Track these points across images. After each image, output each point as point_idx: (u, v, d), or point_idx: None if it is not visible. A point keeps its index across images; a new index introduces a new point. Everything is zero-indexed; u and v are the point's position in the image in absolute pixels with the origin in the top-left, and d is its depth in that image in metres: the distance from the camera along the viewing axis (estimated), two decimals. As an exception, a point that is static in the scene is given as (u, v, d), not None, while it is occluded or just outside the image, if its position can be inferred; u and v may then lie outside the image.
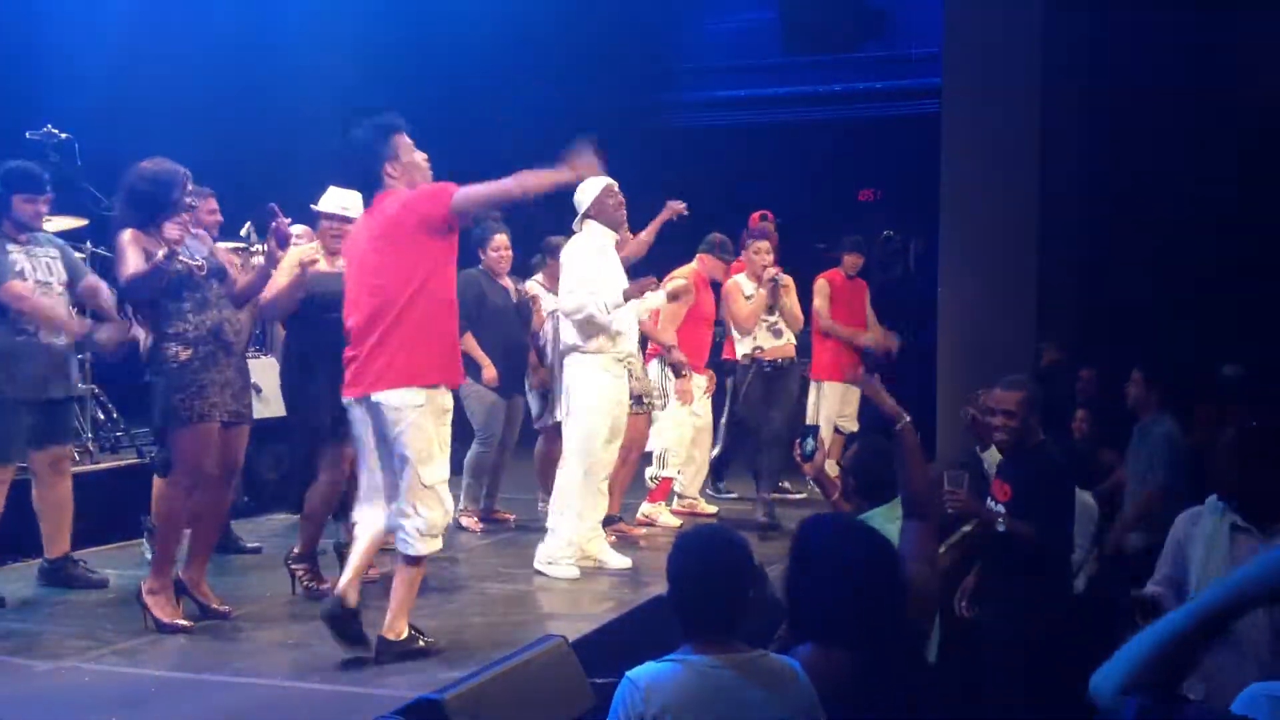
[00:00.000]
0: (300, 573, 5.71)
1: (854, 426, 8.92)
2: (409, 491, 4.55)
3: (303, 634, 5.11)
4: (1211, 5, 9.56)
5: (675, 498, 7.82)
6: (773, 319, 7.60)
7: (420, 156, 4.80)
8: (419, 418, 4.51)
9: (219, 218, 6.52)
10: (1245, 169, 9.61)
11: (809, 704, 3.07)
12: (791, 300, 7.65)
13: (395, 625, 4.68)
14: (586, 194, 6.18)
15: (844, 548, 3.15)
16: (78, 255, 7.55)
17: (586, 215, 6.21)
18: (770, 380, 7.56)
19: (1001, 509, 4.94)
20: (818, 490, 8.42)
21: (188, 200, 5.11)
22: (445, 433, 4.64)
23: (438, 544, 4.70)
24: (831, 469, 8.74)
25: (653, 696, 2.96)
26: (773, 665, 3.08)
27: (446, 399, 4.63)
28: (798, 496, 8.22)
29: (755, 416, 7.57)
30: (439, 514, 4.60)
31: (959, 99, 9.42)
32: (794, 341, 7.72)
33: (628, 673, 3.03)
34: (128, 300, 5.08)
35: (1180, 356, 8.86)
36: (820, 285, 8.81)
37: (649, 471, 7.59)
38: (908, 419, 3.75)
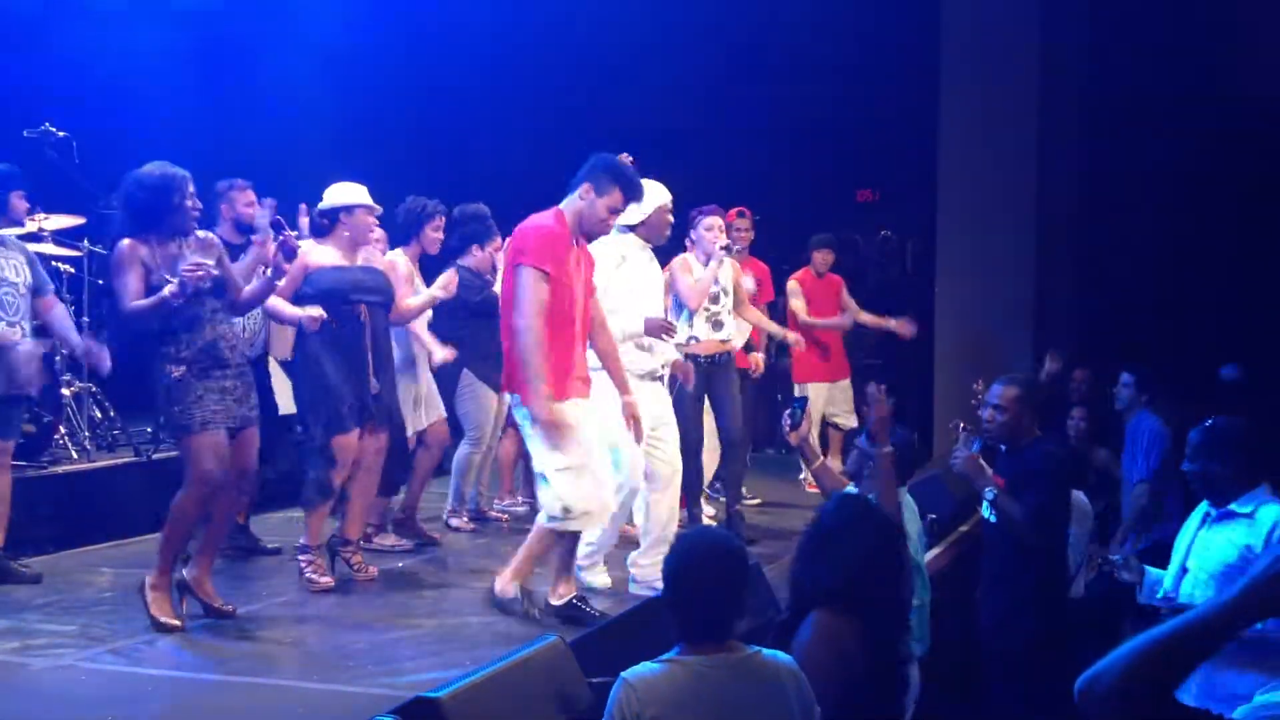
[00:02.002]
0: (305, 563, 5.74)
1: (852, 422, 8.91)
2: None
3: (300, 633, 5.11)
4: (1210, 4, 9.58)
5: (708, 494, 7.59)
6: (715, 309, 6.93)
7: (610, 217, 5.11)
8: None
9: (256, 209, 6.43)
10: (1245, 169, 9.62)
11: (804, 701, 3.08)
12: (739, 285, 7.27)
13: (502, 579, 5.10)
14: (644, 205, 5.78)
15: (862, 524, 3.45)
16: (74, 253, 7.61)
17: (635, 226, 5.89)
18: (709, 378, 6.88)
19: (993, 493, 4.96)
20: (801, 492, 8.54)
21: (189, 204, 5.07)
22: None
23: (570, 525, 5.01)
24: (832, 465, 8.80)
25: (647, 697, 2.97)
26: (767, 664, 3.09)
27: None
28: (753, 502, 8.14)
29: (687, 417, 6.79)
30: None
31: (957, 99, 9.44)
32: (732, 338, 7.06)
33: (622, 673, 3.04)
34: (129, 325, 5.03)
35: (1178, 358, 8.89)
36: (792, 286, 8.82)
37: None
38: (890, 448, 4.11)
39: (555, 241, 4.97)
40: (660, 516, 5.91)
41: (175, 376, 4.96)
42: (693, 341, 6.83)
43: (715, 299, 6.93)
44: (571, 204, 5.09)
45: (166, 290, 4.88)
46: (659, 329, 5.84)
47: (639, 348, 5.82)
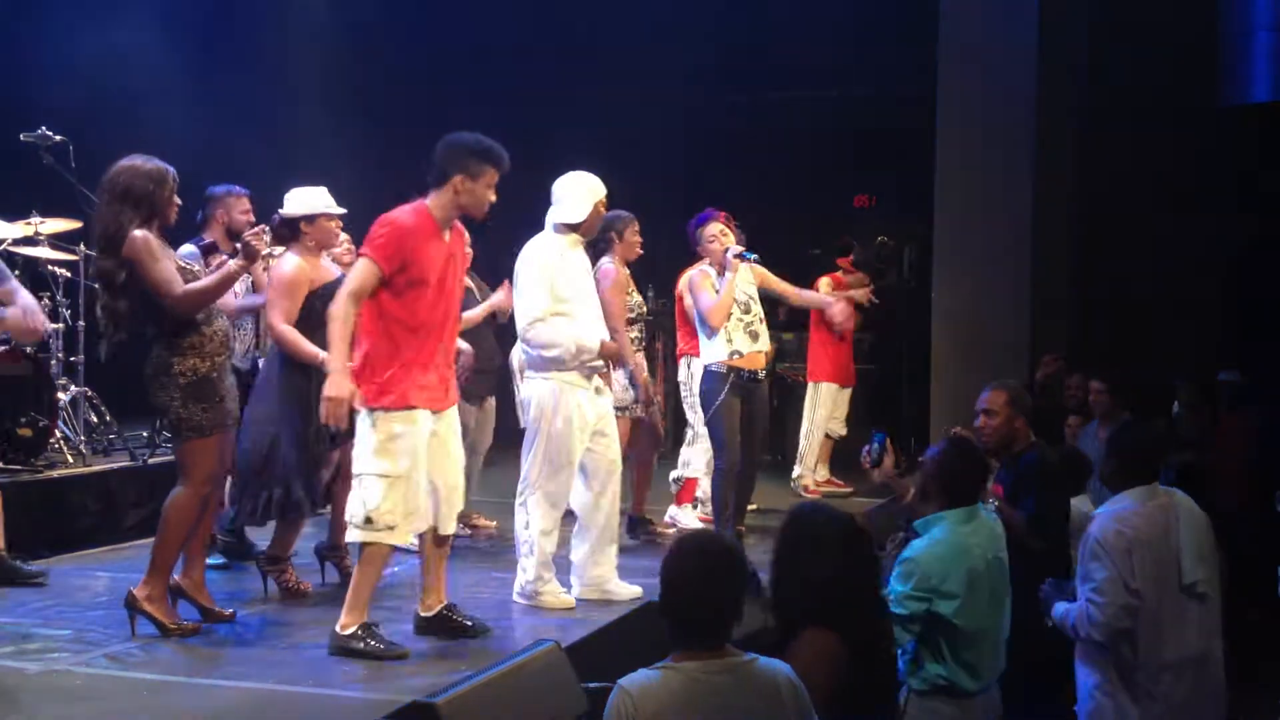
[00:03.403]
0: (275, 574, 5.72)
1: (843, 430, 8.95)
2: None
3: (295, 637, 5.10)
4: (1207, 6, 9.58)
5: (699, 504, 7.53)
6: (749, 318, 6.64)
7: (491, 193, 4.91)
8: None
9: (251, 218, 6.34)
10: (1242, 172, 9.62)
11: (802, 711, 3.08)
12: (775, 279, 7.09)
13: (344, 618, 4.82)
14: (582, 204, 5.63)
15: (823, 532, 3.47)
16: (70, 257, 7.59)
17: (574, 226, 5.64)
18: (747, 394, 6.62)
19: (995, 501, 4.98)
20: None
21: (175, 200, 5.07)
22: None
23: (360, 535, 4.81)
24: (821, 473, 8.81)
25: (644, 704, 2.97)
26: (764, 670, 3.09)
27: None
28: (752, 508, 8.11)
29: (725, 436, 6.55)
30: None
31: (954, 104, 9.44)
32: (768, 347, 6.82)
33: (619, 680, 3.04)
34: (177, 313, 4.88)
35: (1176, 363, 8.91)
36: (826, 284, 8.87)
37: (672, 474, 7.43)
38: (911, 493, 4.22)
39: (406, 236, 4.74)
40: (600, 515, 5.69)
41: (203, 372, 4.91)
42: (735, 356, 6.54)
43: (746, 307, 6.67)
44: (442, 198, 4.84)
45: (233, 264, 4.90)
46: (614, 355, 5.64)
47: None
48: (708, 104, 11.94)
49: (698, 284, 6.69)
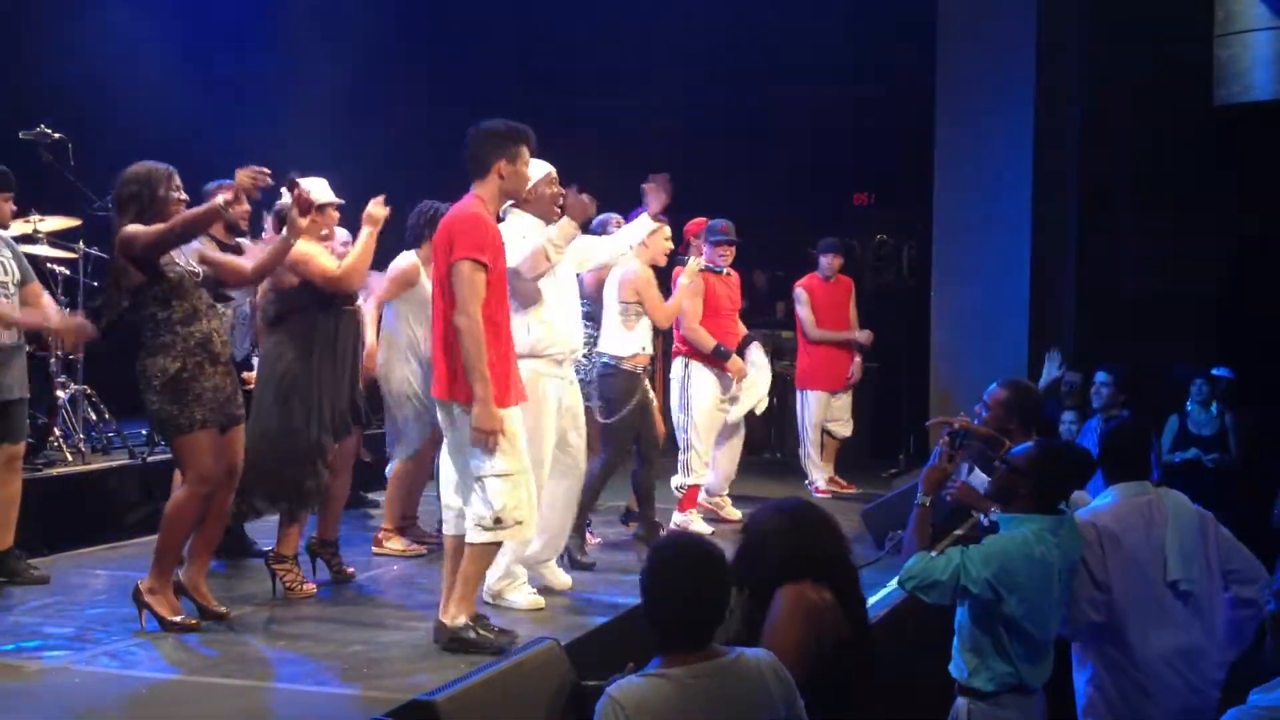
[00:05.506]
0: (282, 573, 5.71)
1: (847, 431, 8.93)
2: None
3: (294, 635, 5.10)
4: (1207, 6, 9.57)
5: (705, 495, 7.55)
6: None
7: (527, 174, 5.05)
8: None
9: (245, 208, 6.36)
10: (1243, 171, 9.62)
11: (786, 694, 3.13)
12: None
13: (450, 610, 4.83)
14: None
15: (786, 518, 3.64)
16: (69, 255, 7.59)
17: (516, 207, 5.63)
18: (640, 386, 6.63)
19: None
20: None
21: (175, 195, 5.09)
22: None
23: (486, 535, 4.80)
24: (821, 472, 8.81)
25: (634, 712, 2.97)
26: (748, 663, 3.12)
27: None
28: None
29: (632, 432, 6.58)
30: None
31: (952, 101, 9.45)
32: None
33: (608, 689, 3.03)
34: (160, 249, 4.95)
35: (1173, 362, 8.92)
36: (799, 294, 8.81)
37: (674, 481, 7.37)
38: (930, 499, 4.13)
39: (486, 229, 4.76)
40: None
41: (173, 372, 4.95)
42: (645, 351, 6.61)
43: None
44: (490, 187, 4.88)
45: (220, 198, 5.05)
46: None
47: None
48: (708, 104, 11.93)
49: (648, 283, 6.66)
